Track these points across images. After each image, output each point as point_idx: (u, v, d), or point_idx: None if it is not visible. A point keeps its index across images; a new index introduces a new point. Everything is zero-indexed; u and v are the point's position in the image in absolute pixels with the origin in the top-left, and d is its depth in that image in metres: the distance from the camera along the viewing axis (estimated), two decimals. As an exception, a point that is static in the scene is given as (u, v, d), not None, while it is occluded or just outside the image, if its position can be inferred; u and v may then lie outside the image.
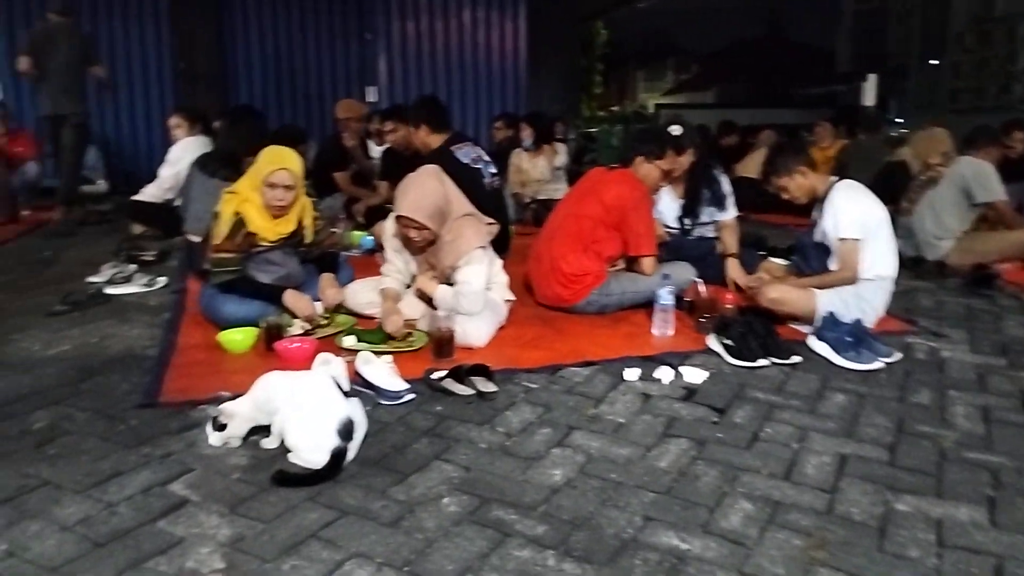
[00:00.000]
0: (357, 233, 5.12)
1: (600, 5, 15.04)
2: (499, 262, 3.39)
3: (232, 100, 9.23)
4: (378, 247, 4.65)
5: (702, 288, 3.46)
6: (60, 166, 6.38)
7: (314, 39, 9.62)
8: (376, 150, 6.83)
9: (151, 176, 5.74)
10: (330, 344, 3.04)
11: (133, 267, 4.26)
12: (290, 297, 3.21)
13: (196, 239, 3.99)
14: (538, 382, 2.75)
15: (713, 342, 3.07)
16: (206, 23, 9.14)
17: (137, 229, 5.47)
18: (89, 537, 1.77)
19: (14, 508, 1.89)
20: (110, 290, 3.94)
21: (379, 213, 5.15)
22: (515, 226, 5.15)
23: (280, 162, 3.16)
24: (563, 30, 10.23)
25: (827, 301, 3.20)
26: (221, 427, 2.20)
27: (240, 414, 2.20)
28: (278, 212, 3.23)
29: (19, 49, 6.14)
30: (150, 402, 2.52)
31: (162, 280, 4.14)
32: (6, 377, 2.77)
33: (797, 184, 3.36)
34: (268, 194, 3.16)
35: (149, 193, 5.54)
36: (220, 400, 2.31)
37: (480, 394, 2.59)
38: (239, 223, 3.17)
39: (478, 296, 3.09)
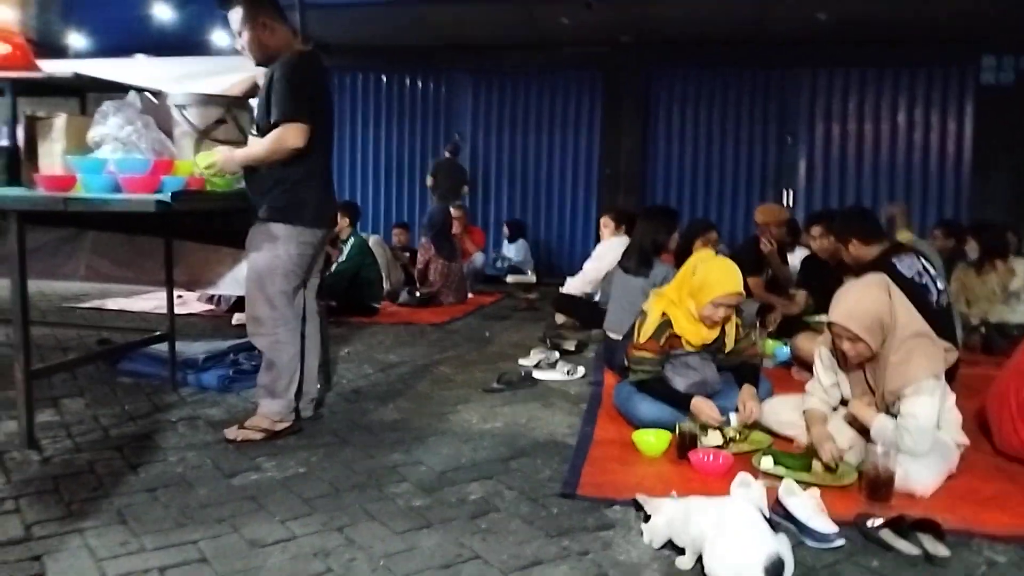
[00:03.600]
0: (772, 343, 4.86)
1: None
2: (952, 396, 2.89)
3: (649, 200, 9.75)
4: (794, 360, 4.37)
5: None
6: None
7: (732, 142, 9.73)
8: (792, 258, 6.54)
9: (572, 270, 6.23)
10: (745, 462, 2.85)
11: (557, 355, 4.59)
12: (697, 403, 3.13)
13: (615, 336, 4.15)
14: (1006, 555, 2.21)
15: None
16: (632, 132, 9.88)
17: (560, 319, 5.94)
18: (513, 623, 1.81)
19: (452, 574, 2.04)
20: (537, 374, 4.27)
21: (795, 323, 4.86)
22: (961, 353, 4.42)
23: (735, 286, 3.17)
24: (1017, 125, 8.84)
25: None
26: (647, 517, 2.20)
27: (663, 511, 2.17)
28: (712, 325, 3.20)
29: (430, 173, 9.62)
30: (570, 493, 2.59)
31: (581, 370, 4.37)
32: (450, 444, 3.11)
33: None
34: (710, 310, 3.16)
35: (572, 286, 6.01)
36: (638, 505, 2.28)
37: (927, 556, 2.16)
38: (665, 324, 3.20)
39: (926, 434, 2.64)
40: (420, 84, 10.62)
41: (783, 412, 3.18)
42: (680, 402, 3.17)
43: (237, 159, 3.03)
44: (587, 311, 5.55)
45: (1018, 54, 8.76)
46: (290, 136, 2.91)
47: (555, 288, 6.46)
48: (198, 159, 2.99)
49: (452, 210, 8.21)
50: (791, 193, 9.54)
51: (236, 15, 3.02)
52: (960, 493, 2.65)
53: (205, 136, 3.08)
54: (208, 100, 3.13)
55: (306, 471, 2.77)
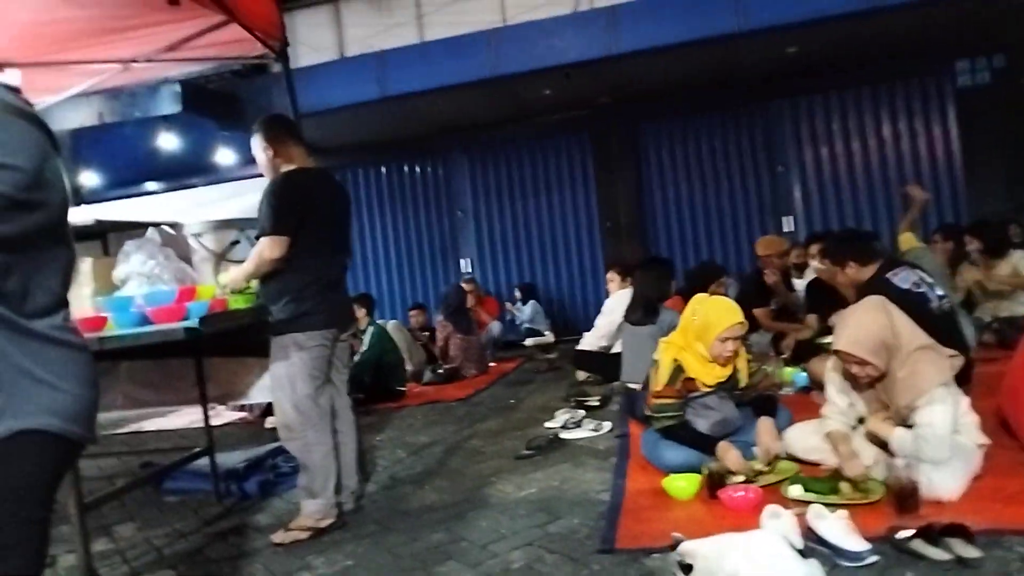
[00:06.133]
0: (788, 370, 4.94)
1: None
2: (965, 400, 2.96)
3: (652, 247, 9.93)
4: (813, 384, 4.44)
5: None
6: None
7: (726, 178, 9.94)
8: (799, 283, 6.65)
9: (587, 325, 6.35)
10: (774, 493, 2.92)
11: (582, 412, 4.69)
12: (722, 449, 3.20)
13: (634, 386, 4.26)
14: (1039, 549, 2.27)
15: None
16: (626, 183, 10.13)
17: (581, 375, 6.04)
18: None
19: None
20: (564, 435, 4.36)
21: (809, 348, 4.94)
22: (976, 351, 4.47)
23: (735, 318, 3.28)
24: (1001, 121, 8.99)
25: None
26: (687, 568, 2.24)
27: (700, 556, 2.22)
28: (724, 362, 3.31)
29: None
30: (608, 548, 2.67)
31: (607, 424, 4.46)
32: (488, 517, 3.20)
33: None
34: (719, 347, 3.27)
35: (587, 341, 6.12)
36: (675, 544, 2.35)
37: (960, 560, 2.22)
38: (678, 369, 3.32)
39: (943, 441, 2.71)
40: (419, 170, 11.00)
41: (806, 438, 3.25)
42: (705, 444, 3.26)
43: (238, 276, 3.27)
44: (607, 364, 5.65)
45: (990, 54, 8.98)
46: (266, 249, 3.13)
47: (573, 345, 6.58)
48: (219, 280, 3.21)
49: (464, 284, 8.41)
50: (792, 219, 9.68)
51: (254, 139, 3.30)
52: (986, 493, 2.71)
53: (222, 258, 3.31)
54: (222, 225, 3.37)
55: (354, 563, 2.88)
